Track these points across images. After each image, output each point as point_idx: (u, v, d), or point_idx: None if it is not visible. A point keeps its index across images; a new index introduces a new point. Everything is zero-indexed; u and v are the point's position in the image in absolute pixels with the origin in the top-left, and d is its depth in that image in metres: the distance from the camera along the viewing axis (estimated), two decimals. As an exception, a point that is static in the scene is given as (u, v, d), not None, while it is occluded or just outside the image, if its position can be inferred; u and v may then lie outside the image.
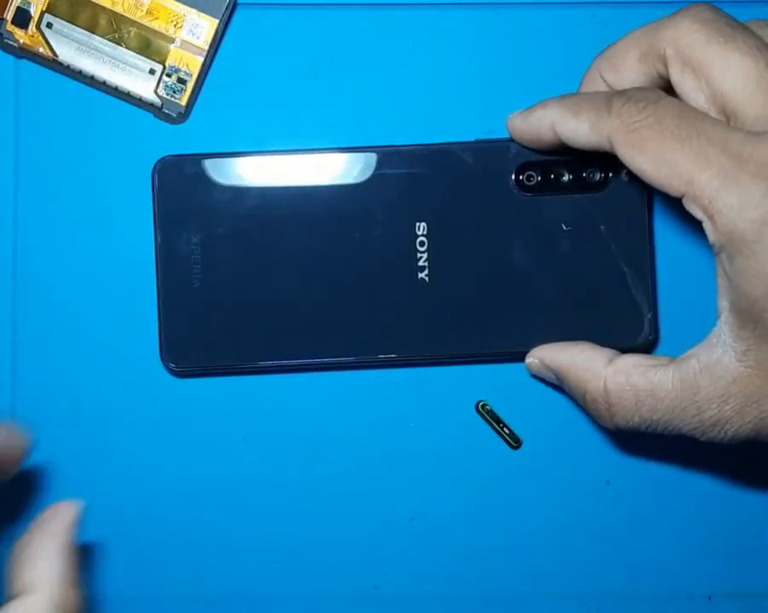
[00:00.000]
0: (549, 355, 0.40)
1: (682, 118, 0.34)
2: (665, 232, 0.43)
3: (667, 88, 0.36)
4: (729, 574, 0.43)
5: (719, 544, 0.43)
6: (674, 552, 0.43)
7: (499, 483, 0.43)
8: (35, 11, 0.42)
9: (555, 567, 0.43)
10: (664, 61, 0.36)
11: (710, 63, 0.35)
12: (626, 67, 0.38)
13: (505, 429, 0.43)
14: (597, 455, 0.43)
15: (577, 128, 0.37)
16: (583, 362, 0.38)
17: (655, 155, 0.34)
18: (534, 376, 0.42)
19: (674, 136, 0.34)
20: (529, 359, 0.41)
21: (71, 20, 0.42)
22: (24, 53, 0.42)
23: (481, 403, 0.43)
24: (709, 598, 0.43)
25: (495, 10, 0.43)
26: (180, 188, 0.41)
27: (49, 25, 0.42)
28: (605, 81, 0.38)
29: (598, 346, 0.39)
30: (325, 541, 0.43)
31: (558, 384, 0.40)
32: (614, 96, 0.36)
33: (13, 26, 0.42)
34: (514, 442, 0.43)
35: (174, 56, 0.42)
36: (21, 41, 0.42)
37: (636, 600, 0.43)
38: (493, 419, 0.43)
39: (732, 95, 0.34)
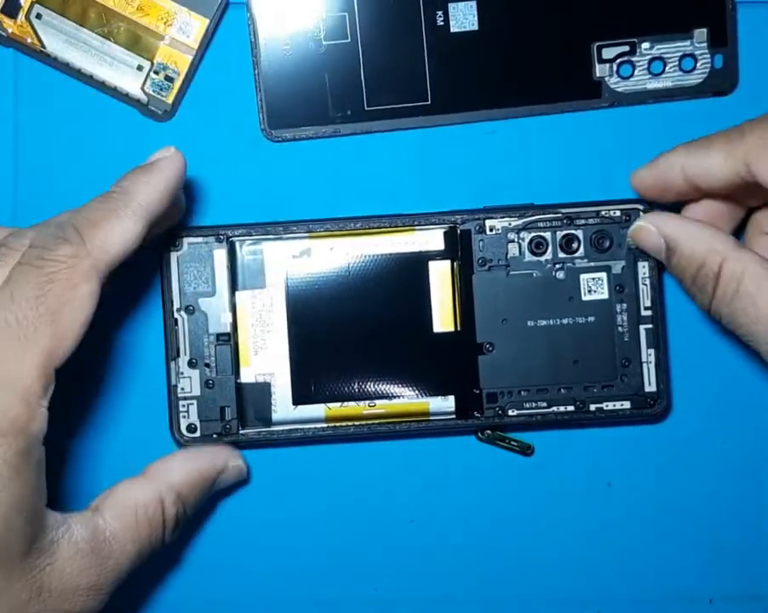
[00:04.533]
0: (668, 223, 0.39)
1: None
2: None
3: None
4: (730, 577, 0.43)
5: (720, 547, 0.43)
6: (676, 555, 0.43)
7: (498, 484, 0.43)
8: (25, 1, 0.41)
9: (556, 570, 0.43)
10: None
11: None
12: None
13: (513, 443, 0.42)
14: (597, 457, 0.43)
15: (710, 163, 0.38)
16: (708, 238, 0.37)
17: None
18: (630, 246, 0.40)
19: None
20: (642, 223, 0.40)
21: (61, 12, 0.42)
22: (12, 42, 0.42)
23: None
24: (711, 601, 0.43)
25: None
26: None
27: (39, 16, 0.42)
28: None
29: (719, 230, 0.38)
30: (325, 542, 0.43)
31: (657, 256, 0.39)
32: (744, 123, 0.37)
33: (2, 15, 0.42)
34: (527, 450, 0.42)
35: (163, 53, 0.42)
36: (10, 30, 0.42)
37: (637, 603, 0.43)
38: (498, 439, 0.42)
39: None
